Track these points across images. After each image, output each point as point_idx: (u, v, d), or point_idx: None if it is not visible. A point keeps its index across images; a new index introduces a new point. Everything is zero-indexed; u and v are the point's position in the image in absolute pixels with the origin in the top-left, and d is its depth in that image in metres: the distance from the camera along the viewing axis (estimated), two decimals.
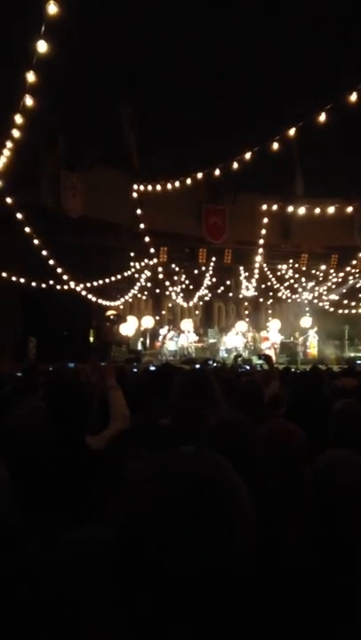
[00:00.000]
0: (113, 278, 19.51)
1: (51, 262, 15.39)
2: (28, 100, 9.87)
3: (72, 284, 16.89)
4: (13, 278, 15.42)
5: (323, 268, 21.79)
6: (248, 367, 12.67)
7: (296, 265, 21.64)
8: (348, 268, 21.15)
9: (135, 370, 9.59)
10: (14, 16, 11.11)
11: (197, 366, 8.61)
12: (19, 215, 13.61)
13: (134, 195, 17.74)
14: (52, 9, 8.35)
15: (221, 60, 19.72)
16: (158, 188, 17.13)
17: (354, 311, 24.43)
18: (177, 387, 3.07)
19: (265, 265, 20.63)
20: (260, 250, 19.34)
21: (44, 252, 15.08)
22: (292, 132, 12.21)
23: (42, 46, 8.92)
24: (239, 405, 4.40)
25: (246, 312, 25.18)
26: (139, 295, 22.74)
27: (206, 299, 24.26)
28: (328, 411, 3.42)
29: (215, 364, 11.75)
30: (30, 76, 9.44)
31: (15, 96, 9.65)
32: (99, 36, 15.89)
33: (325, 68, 18.18)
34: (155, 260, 19.17)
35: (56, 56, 9.14)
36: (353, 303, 24.18)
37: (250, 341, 22.87)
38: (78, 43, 12.97)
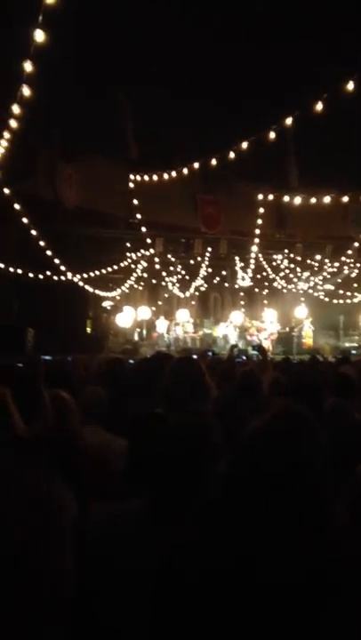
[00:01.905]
0: (109, 269, 19.54)
1: (48, 253, 15.40)
2: (26, 91, 9.84)
3: (69, 275, 16.91)
4: (10, 269, 15.43)
5: (318, 257, 21.85)
6: (244, 357, 12.76)
7: (291, 255, 21.69)
8: (343, 258, 21.22)
9: (131, 361, 9.62)
10: (11, 5, 11.08)
11: (194, 356, 8.68)
12: (16, 206, 13.59)
13: (130, 185, 17.72)
14: None
15: (218, 49, 19.68)
16: (155, 178, 17.11)
17: (349, 301, 24.53)
18: (167, 374, 3.08)
19: (260, 255, 20.67)
20: (256, 240, 19.36)
21: (42, 243, 15.08)
22: (288, 121, 12.19)
23: (39, 36, 8.89)
24: (239, 394, 4.50)
25: (242, 302, 25.24)
26: (135, 286, 22.77)
27: (202, 289, 24.32)
28: (323, 400, 3.51)
29: (213, 355, 11.83)
30: (28, 66, 9.41)
31: (13, 86, 9.62)
32: (96, 24, 15.83)
33: (322, 57, 18.18)
34: (151, 251, 19.19)
35: (53, 46, 9.11)
36: (348, 293, 24.28)
37: (248, 331, 22.97)
38: (76, 32, 12.93)
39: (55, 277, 16.58)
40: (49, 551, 1.43)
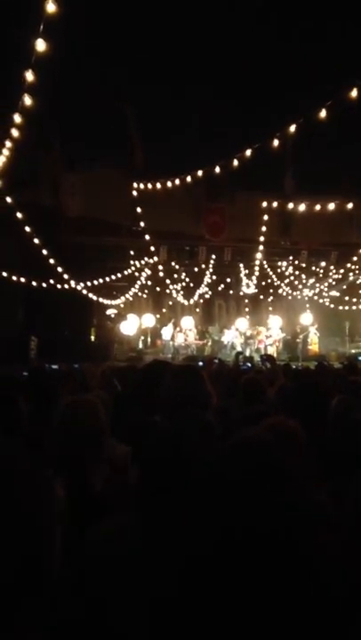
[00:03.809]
0: (113, 277, 19.51)
1: (51, 261, 15.37)
2: (27, 100, 9.85)
3: (72, 284, 16.87)
4: (14, 278, 15.40)
5: (323, 264, 21.77)
6: (249, 365, 12.65)
7: (296, 262, 21.63)
8: (348, 265, 21.14)
9: None
10: (13, 14, 11.11)
11: (200, 364, 8.60)
12: (18, 215, 13.58)
13: (134, 193, 17.70)
14: (51, 7, 8.32)
15: (221, 58, 19.70)
16: (158, 186, 17.07)
17: (354, 307, 24.43)
18: (167, 381, 2.98)
19: (265, 262, 20.61)
20: (260, 247, 19.30)
21: (45, 252, 15.06)
22: (292, 128, 12.15)
23: (40, 45, 8.89)
24: (243, 402, 4.42)
25: (247, 309, 25.16)
26: (139, 293, 22.73)
27: (207, 296, 24.26)
28: (328, 406, 3.43)
29: (219, 362, 11.73)
30: (29, 75, 9.41)
31: (14, 95, 9.63)
32: (100, 34, 15.86)
33: (325, 64, 18.16)
34: (155, 259, 19.15)
35: (55, 55, 9.11)
36: (353, 299, 24.19)
37: (255, 338, 22.89)
38: (78, 41, 12.95)
39: (59, 286, 16.55)
40: None
